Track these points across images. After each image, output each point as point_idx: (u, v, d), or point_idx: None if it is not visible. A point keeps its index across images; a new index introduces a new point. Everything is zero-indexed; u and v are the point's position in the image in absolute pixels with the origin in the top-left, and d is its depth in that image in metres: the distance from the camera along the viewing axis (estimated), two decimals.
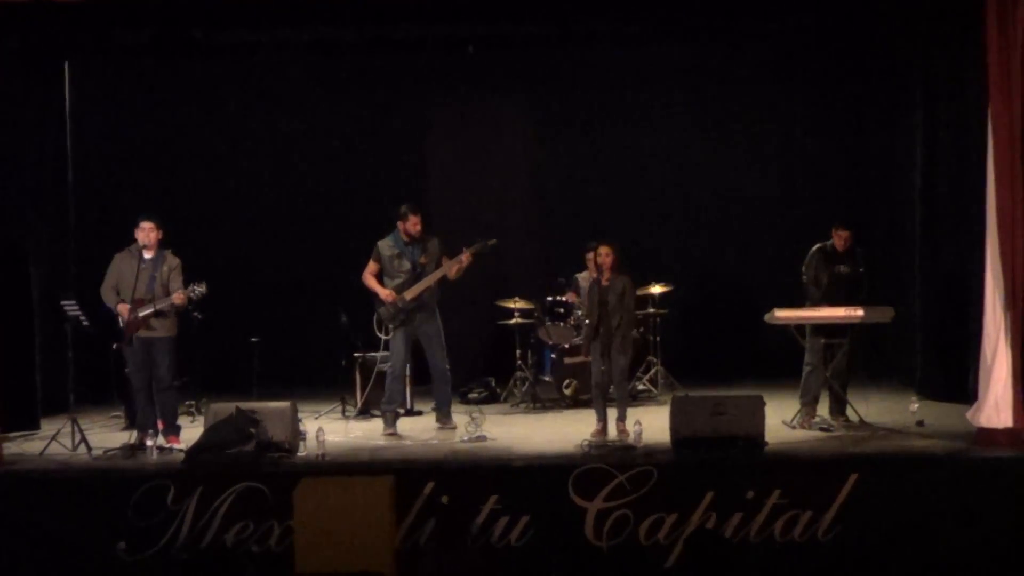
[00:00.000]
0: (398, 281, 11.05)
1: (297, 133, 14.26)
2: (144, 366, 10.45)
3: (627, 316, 10.55)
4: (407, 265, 11.06)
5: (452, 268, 11.06)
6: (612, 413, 10.57)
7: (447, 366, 11.17)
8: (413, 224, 11.03)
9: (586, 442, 10.09)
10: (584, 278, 11.10)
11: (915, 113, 12.55)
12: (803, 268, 10.99)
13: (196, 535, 9.15)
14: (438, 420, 11.25)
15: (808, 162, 14.26)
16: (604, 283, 10.53)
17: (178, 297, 10.35)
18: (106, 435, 11.01)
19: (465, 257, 11.07)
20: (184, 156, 14.12)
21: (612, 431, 10.48)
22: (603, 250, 10.56)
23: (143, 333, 10.37)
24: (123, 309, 10.35)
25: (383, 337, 11.40)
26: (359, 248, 11.65)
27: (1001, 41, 9.61)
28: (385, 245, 11.12)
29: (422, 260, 11.06)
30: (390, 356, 11.25)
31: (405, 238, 11.07)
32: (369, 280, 11.14)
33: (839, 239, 10.86)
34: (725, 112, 14.27)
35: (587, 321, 10.86)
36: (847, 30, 12.59)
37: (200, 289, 10.38)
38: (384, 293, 11.04)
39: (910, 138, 12.72)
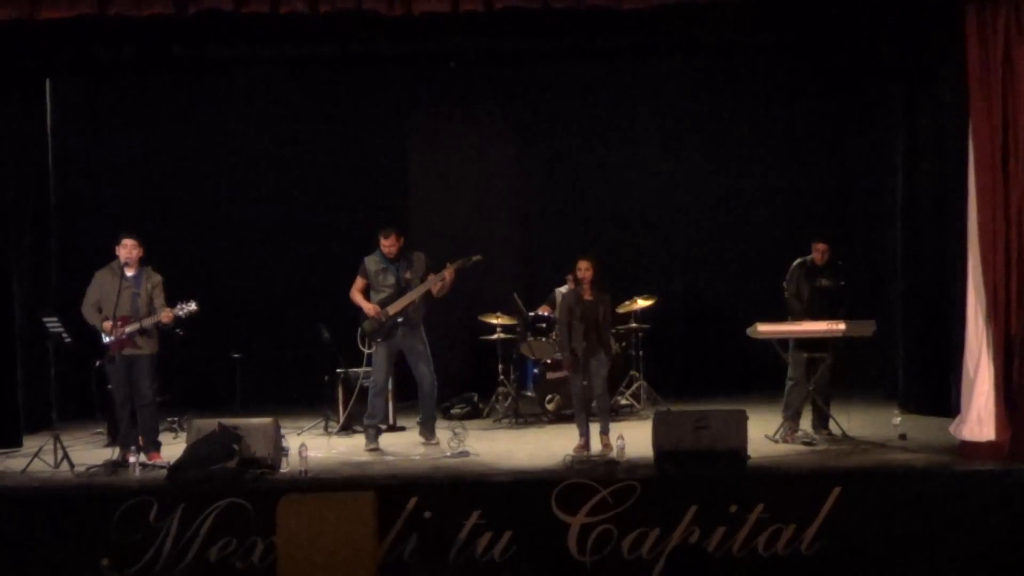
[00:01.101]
0: (383, 295, 11.05)
1: (278, 148, 14.22)
2: (126, 383, 10.42)
3: (607, 333, 10.59)
4: (391, 280, 11.06)
5: (435, 285, 11.05)
6: (595, 428, 10.57)
7: (434, 382, 11.16)
8: (385, 245, 11.04)
9: (569, 457, 10.10)
10: (562, 292, 11.11)
11: (896, 127, 12.58)
12: (784, 282, 11.02)
13: (179, 551, 9.11)
14: (421, 435, 11.24)
15: (790, 176, 14.25)
16: (587, 298, 10.53)
17: (167, 316, 10.32)
18: (89, 452, 10.95)
19: (448, 274, 11.06)
20: (165, 172, 14.08)
21: (595, 445, 10.49)
22: (582, 264, 10.56)
23: (126, 350, 10.35)
24: (108, 326, 10.31)
25: (366, 351, 11.38)
26: (341, 264, 11.66)
27: (982, 57, 9.68)
28: (371, 260, 11.13)
29: (407, 275, 11.06)
30: (372, 371, 11.24)
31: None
32: (356, 296, 11.14)
33: (818, 253, 10.89)
34: (708, 127, 14.28)
35: (558, 332, 10.83)
36: (829, 45, 12.61)
37: (189, 308, 10.36)
38: (368, 308, 11.04)
39: (891, 152, 12.76)
